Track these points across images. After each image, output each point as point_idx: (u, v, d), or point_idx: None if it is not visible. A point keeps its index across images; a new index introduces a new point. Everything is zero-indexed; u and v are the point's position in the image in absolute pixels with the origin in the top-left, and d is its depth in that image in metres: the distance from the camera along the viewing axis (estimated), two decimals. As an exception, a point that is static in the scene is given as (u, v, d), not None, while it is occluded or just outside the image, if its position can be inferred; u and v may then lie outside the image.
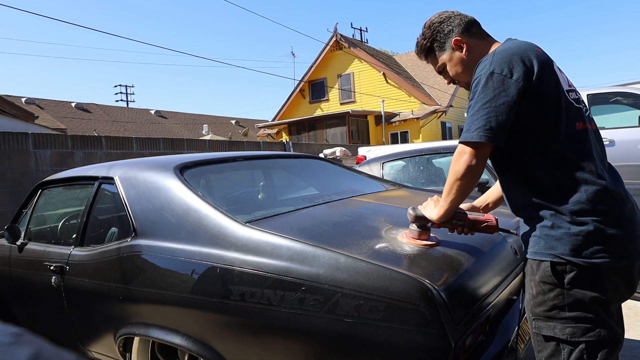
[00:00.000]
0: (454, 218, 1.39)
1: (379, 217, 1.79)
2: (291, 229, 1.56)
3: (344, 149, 11.24)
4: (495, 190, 1.59)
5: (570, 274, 1.16)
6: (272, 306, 1.36)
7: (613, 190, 1.18)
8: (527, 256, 1.26)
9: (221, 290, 1.47)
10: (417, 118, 17.01)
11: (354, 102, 19.38)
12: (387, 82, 18.65)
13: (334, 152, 10.78)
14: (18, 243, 2.48)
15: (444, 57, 1.43)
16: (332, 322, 1.26)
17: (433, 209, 1.39)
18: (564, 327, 1.18)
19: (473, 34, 1.40)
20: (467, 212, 1.43)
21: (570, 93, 1.26)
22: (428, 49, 1.46)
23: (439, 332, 1.14)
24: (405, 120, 17.45)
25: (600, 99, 5.51)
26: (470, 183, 1.26)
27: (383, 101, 17.73)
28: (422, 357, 1.15)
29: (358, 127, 17.42)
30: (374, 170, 4.66)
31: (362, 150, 6.92)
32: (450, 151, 4.66)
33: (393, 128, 17.90)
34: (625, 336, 2.60)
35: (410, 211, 1.44)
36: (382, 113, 17.54)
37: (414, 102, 18.00)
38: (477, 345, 1.31)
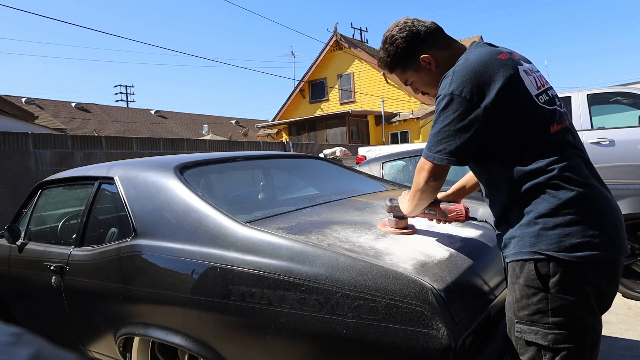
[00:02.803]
0: (426, 208, 1.48)
1: (379, 217, 1.79)
2: (291, 229, 1.56)
3: (344, 149, 11.23)
4: (471, 175, 1.59)
5: (554, 277, 1.13)
6: (272, 306, 1.36)
7: (589, 187, 1.18)
8: (507, 260, 1.24)
9: (221, 290, 1.47)
10: (417, 118, 17.01)
11: (354, 102, 19.38)
12: (387, 82, 18.64)
13: (334, 152, 10.78)
14: (18, 243, 2.48)
15: (410, 72, 1.40)
16: (332, 322, 1.26)
17: (404, 203, 1.46)
18: (546, 333, 1.15)
19: (439, 45, 1.35)
20: (440, 202, 1.51)
21: (540, 96, 1.22)
22: (389, 64, 1.41)
23: (439, 332, 1.14)
24: (405, 120, 17.45)
25: (600, 99, 5.51)
26: (430, 194, 1.34)
27: (383, 101, 17.73)
28: (422, 358, 1.15)
29: (358, 127, 17.42)
30: (374, 170, 4.66)
31: (362, 150, 6.91)
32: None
33: (393, 128, 17.90)
34: (625, 336, 2.61)
35: (387, 202, 1.56)
36: (382, 113, 17.54)
37: (414, 102, 18.00)
38: (477, 345, 1.31)
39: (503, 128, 1.19)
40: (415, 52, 1.35)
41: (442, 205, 1.50)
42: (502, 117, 1.19)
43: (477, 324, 1.28)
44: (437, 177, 1.27)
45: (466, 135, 1.19)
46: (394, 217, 1.57)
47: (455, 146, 1.20)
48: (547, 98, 1.24)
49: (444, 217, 1.50)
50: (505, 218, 1.25)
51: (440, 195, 1.60)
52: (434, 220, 1.57)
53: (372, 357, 1.21)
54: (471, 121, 1.18)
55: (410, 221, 1.63)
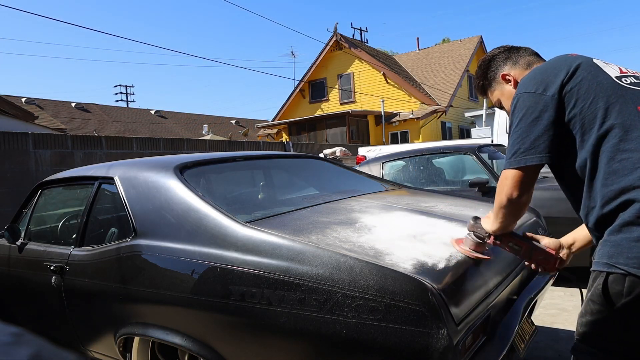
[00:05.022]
0: (510, 240, 1.35)
1: (379, 217, 1.79)
2: (291, 229, 1.56)
3: (343, 149, 11.23)
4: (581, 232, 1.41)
5: (626, 297, 0.98)
6: (272, 306, 1.36)
7: None
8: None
9: (221, 290, 1.47)
10: (417, 118, 17.01)
11: (354, 102, 19.38)
12: (387, 82, 18.65)
13: (334, 152, 10.77)
14: (18, 243, 2.48)
15: (496, 93, 1.44)
16: (332, 322, 1.26)
17: (489, 221, 1.34)
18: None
19: (521, 64, 1.38)
20: (526, 240, 1.36)
21: (624, 79, 1.12)
22: (482, 87, 1.48)
23: (439, 332, 1.14)
24: (405, 120, 17.45)
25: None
26: (515, 211, 1.22)
27: (383, 101, 17.73)
28: (422, 358, 1.15)
29: (358, 127, 17.42)
30: (374, 170, 4.66)
31: (362, 150, 6.93)
32: (450, 151, 4.66)
33: (393, 128, 17.90)
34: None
35: (471, 221, 1.41)
36: (382, 113, 17.54)
37: (414, 102, 18.00)
38: (478, 345, 1.32)
39: (582, 110, 1.09)
40: (497, 71, 1.42)
41: (531, 244, 1.35)
42: (579, 99, 1.10)
43: (477, 324, 1.28)
44: (521, 187, 1.15)
45: (540, 127, 1.12)
46: (475, 236, 1.39)
47: (530, 142, 1.12)
48: (636, 80, 1.13)
49: (529, 257, 1.35)
50: (596, 219, 1.11)
51: (543, 240, 1.41)
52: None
53: (372, 357, 1.21)
54: (542, 110, 1.12)
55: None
